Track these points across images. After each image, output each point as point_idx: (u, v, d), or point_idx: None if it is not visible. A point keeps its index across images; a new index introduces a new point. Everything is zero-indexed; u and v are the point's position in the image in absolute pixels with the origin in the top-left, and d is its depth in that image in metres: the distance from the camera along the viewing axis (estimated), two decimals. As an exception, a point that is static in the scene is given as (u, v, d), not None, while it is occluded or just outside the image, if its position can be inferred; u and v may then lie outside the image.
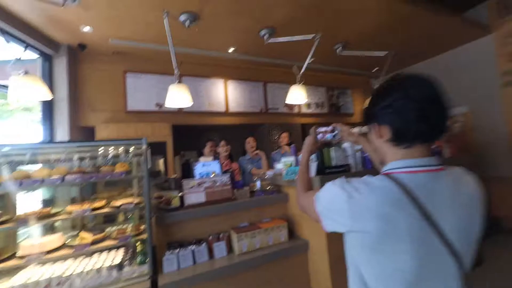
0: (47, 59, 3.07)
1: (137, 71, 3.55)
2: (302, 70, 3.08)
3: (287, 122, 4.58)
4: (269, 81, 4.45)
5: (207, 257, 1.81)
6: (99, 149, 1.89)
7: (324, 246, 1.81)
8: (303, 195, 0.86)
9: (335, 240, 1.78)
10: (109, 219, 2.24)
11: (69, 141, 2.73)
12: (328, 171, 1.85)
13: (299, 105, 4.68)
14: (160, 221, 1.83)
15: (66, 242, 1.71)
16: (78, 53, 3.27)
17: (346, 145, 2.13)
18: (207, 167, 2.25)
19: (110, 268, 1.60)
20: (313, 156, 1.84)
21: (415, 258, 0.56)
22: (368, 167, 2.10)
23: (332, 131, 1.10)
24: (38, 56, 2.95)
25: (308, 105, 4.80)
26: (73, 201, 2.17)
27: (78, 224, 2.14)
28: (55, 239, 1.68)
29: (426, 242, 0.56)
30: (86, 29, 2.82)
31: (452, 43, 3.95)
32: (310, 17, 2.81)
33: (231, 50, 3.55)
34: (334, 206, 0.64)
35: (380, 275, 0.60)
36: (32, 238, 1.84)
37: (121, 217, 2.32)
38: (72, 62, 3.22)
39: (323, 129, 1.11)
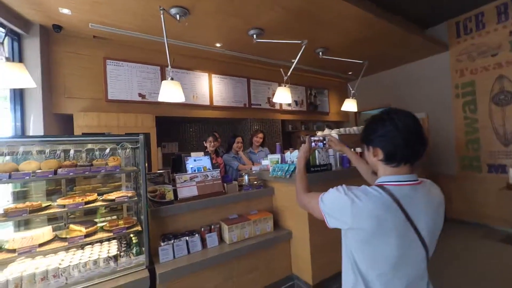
0: (16, 39, 2.81)
1: (118, 58, 3.40)
2: (289, 73, 3.25)
3: (268, 118, 4.76)
4: (253, 77, 4.56)
5: (201, 247, 1.93)
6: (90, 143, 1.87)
7: (307, 235, 2.04)
8: (305, 195, 1.04)
9: (316, 231, 2.03)
10: (91, 211, 2.21)
11: (63, 136, 2.59)
12: (312, 170, 2.06)
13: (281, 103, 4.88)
14: (154, 213, 1.89)
15: (57, 235, 1.70)
16: (52, 34, 3.03)
17: None
18: (199, 162, 2.34)
19: (107, 259, 1.64)
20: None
21: (398, 247, 0.76)
22: (345, 166, 2.38)
23: (323, 140, 1.29)
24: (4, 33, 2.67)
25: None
26: (48, 193, 2.08)
27: (61, 216, 2.09)
28: (46, 232, 1.66)
29: (407, 237, 0.77)
30: (65, 11, 2.65)
31: (416, 56, 4.45)
32: (296, 22, 2.97)
33: (218, 45, 3.57)
34: (338, 207, 0.83)
35: (369, 260, 0.81)
36: (18, 232, 1.80)
37: (102, 209, 2.31)
38: (45, 43, 2.98)
39: (316, 138, 1.30)
